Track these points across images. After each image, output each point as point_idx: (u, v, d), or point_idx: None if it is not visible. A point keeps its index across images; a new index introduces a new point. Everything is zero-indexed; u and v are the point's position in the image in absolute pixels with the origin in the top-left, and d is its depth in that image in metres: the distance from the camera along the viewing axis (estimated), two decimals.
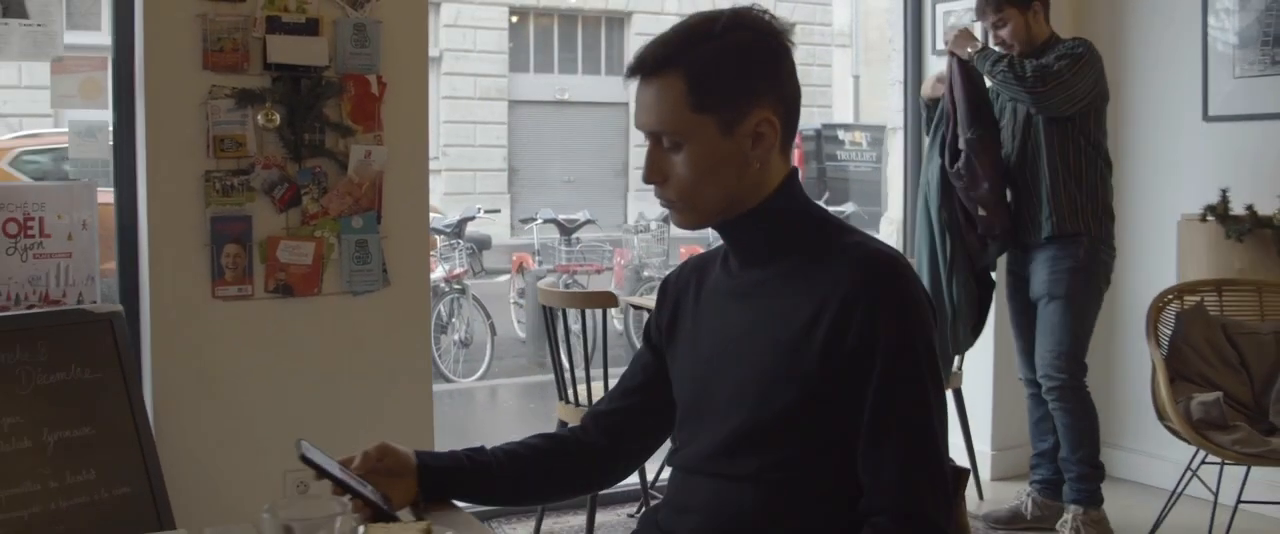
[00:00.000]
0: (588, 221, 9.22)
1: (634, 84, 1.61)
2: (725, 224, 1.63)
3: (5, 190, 3.47)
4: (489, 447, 1.76)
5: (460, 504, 1.73)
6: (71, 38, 3.33)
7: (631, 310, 7.92)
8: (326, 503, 1.35)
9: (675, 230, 11.77)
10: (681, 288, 1.75)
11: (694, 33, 1.58)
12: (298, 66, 3.25)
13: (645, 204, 18.09)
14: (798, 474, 1.55)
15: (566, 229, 9.22)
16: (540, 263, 9.24)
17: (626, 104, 19.57)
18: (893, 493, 1.49)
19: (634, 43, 19.49)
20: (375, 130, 3.36)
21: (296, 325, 3.34)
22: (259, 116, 3.22)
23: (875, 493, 1.51)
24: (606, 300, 3.57)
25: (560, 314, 3.70)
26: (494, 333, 8.01)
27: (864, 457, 1.51)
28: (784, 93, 1.60)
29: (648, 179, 1.63)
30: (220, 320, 3.26)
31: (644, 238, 9.60)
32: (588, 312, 3.57)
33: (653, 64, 1.58)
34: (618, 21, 19.68)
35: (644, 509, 1.78)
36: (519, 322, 9.08)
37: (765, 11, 1.61)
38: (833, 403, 1.52)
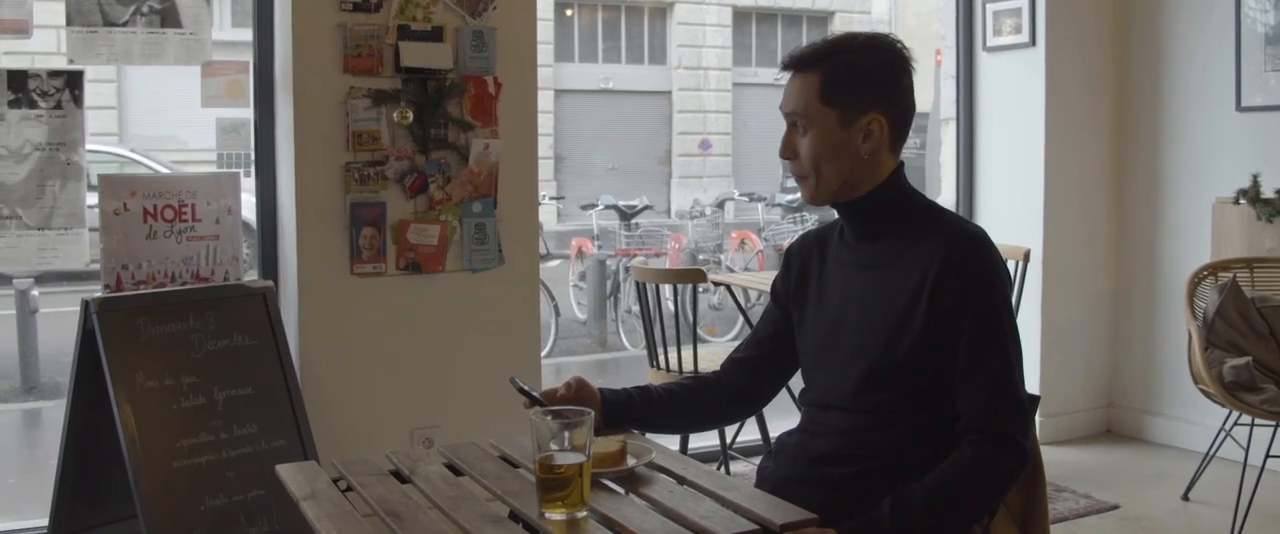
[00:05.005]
0: (646, 207, 9.58)
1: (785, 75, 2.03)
2: (845, 205, 2.03)
3: (163, 180, 3.89)
4: (653, 386, 2.18)
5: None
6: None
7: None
8: (577, 410, 1.75)
9: (727, 216, 12.16)
10: (806, 256, 2.16)
11: (837, 45, 2.00)
12: (425, 69, 3.64)
13: (688, 191, 18.45)
14: (910, 405, 1.95)
15: (626, 214, 9.60)
16: (599, 247, 9.60)
17: (670, 93, 19.89)
18: (982, 417, 1.89)
19: (677, 32, 19.79)
20: (492, 125, 3.75)
21: (424, 298, 3.74)
22: (394, 114, 3.61)
23: (969, 418, 1.91)
24: (696, 276, 3.96)
25: (653, 289, 4.10)
26: (558, 313, 8.39)
27: (959, 390, 1.91)
28: (896, 103, 2.00)
29: (783, 154, 2.04)
30: (358, 294, 3.67)
31: (698, 223, 9.95)
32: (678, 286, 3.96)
33: (800, 62, 1.99)
34: (660, 12, 19.95)
35: (778, 439, 2.19)
36: (579, 303, 9.46)
37: (897, 41, 2.02)
38: (936, 350, 1.91)
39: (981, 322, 1.90)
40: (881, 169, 2.01)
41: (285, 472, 1.92)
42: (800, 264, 2.16)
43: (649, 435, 2.23)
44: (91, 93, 3.51)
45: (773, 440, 4.08)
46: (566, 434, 1.69)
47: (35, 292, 7.24)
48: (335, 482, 1.89)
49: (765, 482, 2.06)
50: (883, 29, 20.67)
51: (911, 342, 1.92)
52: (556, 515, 1.68)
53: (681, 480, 1.87)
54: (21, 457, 6.06)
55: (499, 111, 3.76)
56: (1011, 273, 4.39)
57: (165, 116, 12.50)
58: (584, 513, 1.68)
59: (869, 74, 1.98)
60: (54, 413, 6.16)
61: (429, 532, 1.65)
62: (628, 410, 2.10)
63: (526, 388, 1.98)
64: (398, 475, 1.93)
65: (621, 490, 1.83)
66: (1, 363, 7.48)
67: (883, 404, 1.96)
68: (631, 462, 1.90)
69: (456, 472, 1.94)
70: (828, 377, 2.05)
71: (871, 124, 1.97)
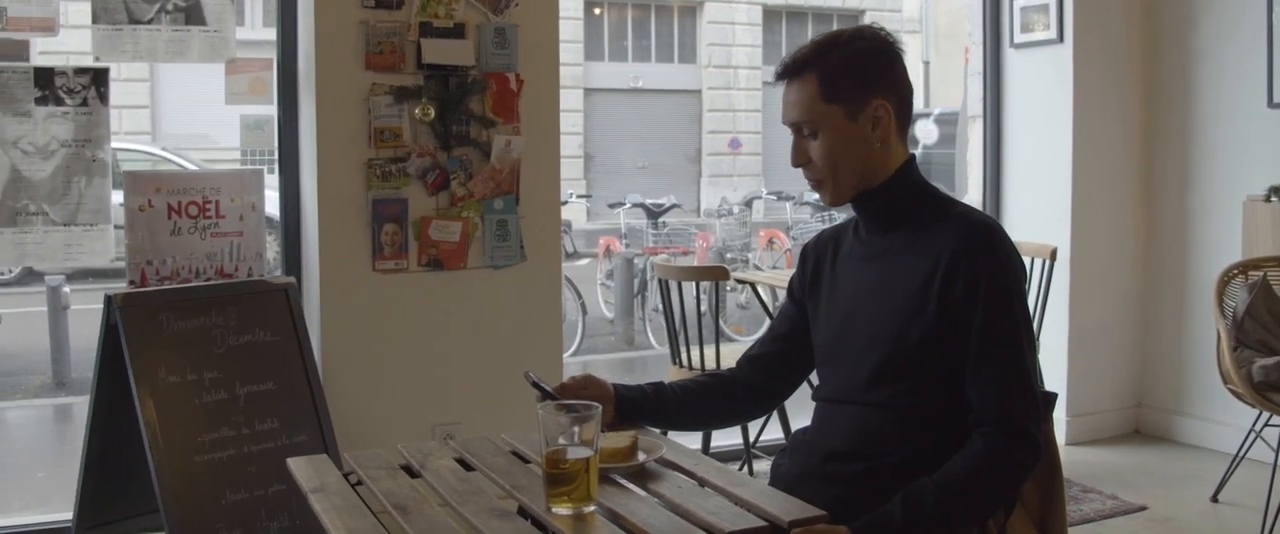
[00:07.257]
0: (674, 206, 9.55)
1: (780, 86, 2.02)
2: (860, 198, 2.01)
3: (187, 177, 3.90)
4: (667, 382, 2.17)
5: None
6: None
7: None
8: (585, 404, 1.73)
9: (756, 215, 12.14)
10: (820, 252, 2.15)
11: (825, 44, 1.99)
12: (447, 66, 3.64)
13: (717, 189, 18.42)
14: (922, 398, 1.93)
15: (653, 213, 9.58)
16: (627, 245, 9.59)
17: (700, 91, 19.87)
18: (994, 409, 1.87)
19: (706, 31, 19.77)
20: (514, 122, 3.75)
21: (445, 295, 3.74)
22: (416, 111, 3.62)
23: (980, 410, 1.88)
24: (719, 274, 3.95)
25: (676, 287, 4.09)
26: (585, 312, 8.39)
27: (970, 381, 1.89)
28: (896, 87, 1.99)
29: (795, 163, 2.02)
30: (380, 290, 3.67)
31: (726, 222, 9.92)
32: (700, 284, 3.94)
33: (794, 68, 1.98)
34: (690, 10, 19.94)
35: (792, 436, 2.18)
36: (606, 302, 9.45)
37: (882, 29, 2.01)
38: (947, 341, 1.89)
39: (992, 311, 1.88)
40: (893, 159, 2.00)
41: (295, 465, 1.92)
42: (815, 259, 2.15)
43: (669, 433, 2.21)
44: (125, 92, 3.56)
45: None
46: (575, 429, 1.68)
47: (66, 288, 7.32)
48: (345, 476, 1.89)
49: (779, 479, 2.05)
50: (914, 26, 20.63)
51: (922, 332, 1.90)
52: (563, 510, 1.67)
53: (692, 476, 1.86)
54: (52, 451, 6.12)
55: (521, 108, 3.76)
56: (1038, 271, 4.38)
57: (196, 115, 12.58)
58: (591, 508, 1.67)
59: (865, 61, 1.97)
60: (84, 408, 6.18)
61: (436, 526, 1.65)
62: (641, 407, 2.09)
63: (540, 382, 1.98)
64: (408, 470, 1.92)
65: (631, 486, 1.82)
66: (33, 358, 7.57)
67: (895, 397, 1.94)
68: (642, 457, 1.89)
69: (467, 466, 1.94)
70: (840, 371, 2.03)
71: (878, 110, 1.97)
